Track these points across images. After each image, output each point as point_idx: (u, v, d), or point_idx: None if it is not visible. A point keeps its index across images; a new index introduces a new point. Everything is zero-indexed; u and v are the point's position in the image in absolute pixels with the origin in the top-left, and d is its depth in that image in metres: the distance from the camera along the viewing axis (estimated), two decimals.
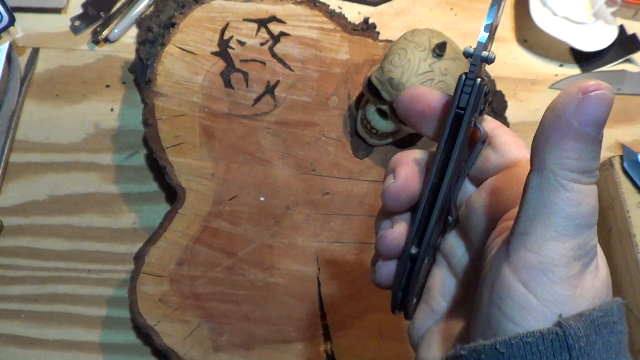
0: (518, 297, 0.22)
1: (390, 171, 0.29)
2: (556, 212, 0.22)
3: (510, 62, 0.70)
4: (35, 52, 0.66)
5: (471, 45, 0.26)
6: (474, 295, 0.25)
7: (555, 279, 0.22)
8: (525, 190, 0.23)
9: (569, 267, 0.22)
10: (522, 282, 0.22)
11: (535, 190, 0.22)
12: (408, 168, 0.28)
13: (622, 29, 0.70)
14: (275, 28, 0.58)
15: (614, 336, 0.22)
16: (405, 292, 0.29)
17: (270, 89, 0.57)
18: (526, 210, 0.22)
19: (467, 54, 0.26)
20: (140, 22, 0.60)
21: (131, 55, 0.62)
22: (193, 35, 0.56)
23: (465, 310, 0.28)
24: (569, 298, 0.22)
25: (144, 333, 0.51)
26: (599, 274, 0.23)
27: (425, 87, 0.30)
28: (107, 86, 0.65)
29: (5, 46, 0.62)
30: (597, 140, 0.21)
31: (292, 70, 0.57)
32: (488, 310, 0.23)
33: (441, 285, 0.29)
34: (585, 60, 0.70)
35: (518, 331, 0.22)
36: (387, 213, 0.29)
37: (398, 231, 0.28)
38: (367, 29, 0.60)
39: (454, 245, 0.29)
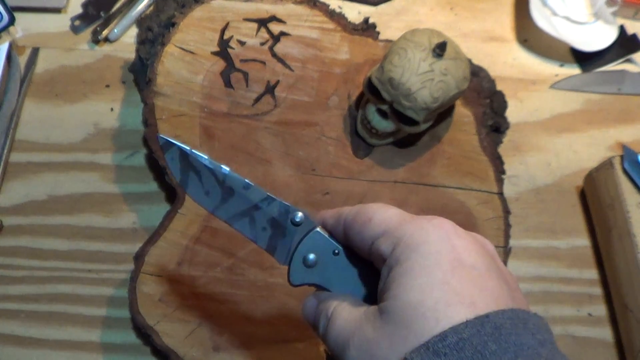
0: None
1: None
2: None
3: (510, 62, 0.70)
4: (35, 51, 0.66)
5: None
6: None
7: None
8: None
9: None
10: None
11: None
12: None
13: (622, 29, 0.70)
14: (276, 28, 0.58)
15: (465, 352, 0.23)
16: None
17: (270, 89, 0.57)
18: None
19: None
20: (140, 21, 0.60)
21: (131, 55, 0.62)
22: (193, 35, 0.56)
23: None
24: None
25: (144, 333, 0.51)
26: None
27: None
28: (107, 86, 0.65)
29: (5, 46, 0.62)
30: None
31: (292, 70, 0.57)
32: None
33: None
34: (585, 60, 0.70)
35: None
36: None
37: None
38: (367, 28, 0.60)
39: None
